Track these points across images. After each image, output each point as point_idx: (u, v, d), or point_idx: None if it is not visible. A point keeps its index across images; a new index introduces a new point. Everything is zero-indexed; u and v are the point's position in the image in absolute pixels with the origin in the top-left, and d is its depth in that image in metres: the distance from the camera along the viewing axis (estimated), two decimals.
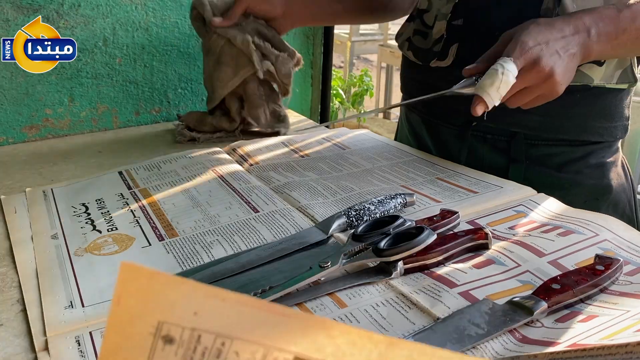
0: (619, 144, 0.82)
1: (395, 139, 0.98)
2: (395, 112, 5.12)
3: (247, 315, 0.21)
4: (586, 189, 0.77)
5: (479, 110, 0.62)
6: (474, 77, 0.64)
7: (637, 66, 0.77)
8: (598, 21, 0.64)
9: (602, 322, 0.40)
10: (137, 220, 0.61)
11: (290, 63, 0.88)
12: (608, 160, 0.79)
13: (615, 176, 0.80)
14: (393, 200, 0.60)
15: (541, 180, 0.73)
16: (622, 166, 0.82)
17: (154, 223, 0.60)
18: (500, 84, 0.60)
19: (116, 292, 0.21)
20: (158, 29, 1.00)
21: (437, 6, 0.80)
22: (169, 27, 1.01)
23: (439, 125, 0.86)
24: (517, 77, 0.60)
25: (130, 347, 0.22)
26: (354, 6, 0.95)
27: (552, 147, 0.77)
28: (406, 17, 0.92)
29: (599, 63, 0.72)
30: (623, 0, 0.66)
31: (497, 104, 0.62)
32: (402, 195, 0.62)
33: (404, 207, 0.62)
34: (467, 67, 0.65)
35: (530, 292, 0.44)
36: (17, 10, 0.86)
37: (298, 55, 0.90)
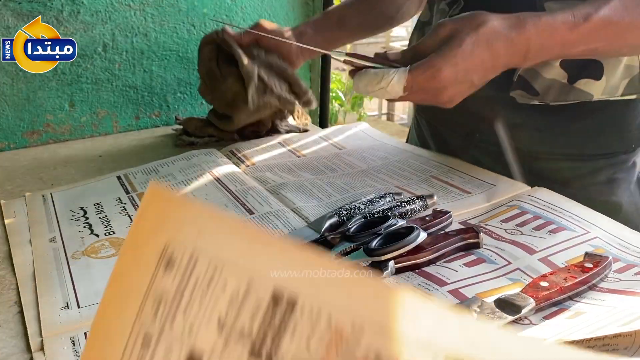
0: (637, 160, 0.75)
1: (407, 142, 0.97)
2: (400, 114, 5.11)
3: (242, 240, 0.22)
4: (594, 205, 0.67)
5: None
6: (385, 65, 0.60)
7: None
8: (544, 37, 0.57)
9: (588, 318, 0.41)
10: None
11: (295, 104, 0.87)
12: (619, 176, 0.74)
13: (628, 194, 0.75)
14: (382, 199, 0.61)
15: None
16: (639, 184, 0.77)
17: None
18: (377, 91, 0.58)
19: (138, 211, 0.24)
20: (157, 34, 1.01)
21: (436, 19, 0.79)
22: (168, 32, 1.02)
23: (445, 134, 0.85)
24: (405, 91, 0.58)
25: (137, 271, 0.23)
26: (359, 28, 0.93)
27: (557, 162, 0.74)
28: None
29: (596, 76, 0.66)
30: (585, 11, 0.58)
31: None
32: (391, 195, 0.62)
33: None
34: (390, 52, 0.62)
35: (519, 289, 0.45)
36: (18, 17, 0.88)
37: (308, 96, 0.88)
